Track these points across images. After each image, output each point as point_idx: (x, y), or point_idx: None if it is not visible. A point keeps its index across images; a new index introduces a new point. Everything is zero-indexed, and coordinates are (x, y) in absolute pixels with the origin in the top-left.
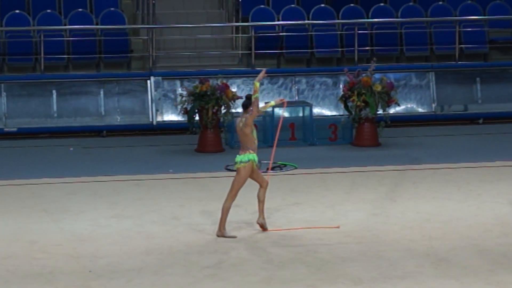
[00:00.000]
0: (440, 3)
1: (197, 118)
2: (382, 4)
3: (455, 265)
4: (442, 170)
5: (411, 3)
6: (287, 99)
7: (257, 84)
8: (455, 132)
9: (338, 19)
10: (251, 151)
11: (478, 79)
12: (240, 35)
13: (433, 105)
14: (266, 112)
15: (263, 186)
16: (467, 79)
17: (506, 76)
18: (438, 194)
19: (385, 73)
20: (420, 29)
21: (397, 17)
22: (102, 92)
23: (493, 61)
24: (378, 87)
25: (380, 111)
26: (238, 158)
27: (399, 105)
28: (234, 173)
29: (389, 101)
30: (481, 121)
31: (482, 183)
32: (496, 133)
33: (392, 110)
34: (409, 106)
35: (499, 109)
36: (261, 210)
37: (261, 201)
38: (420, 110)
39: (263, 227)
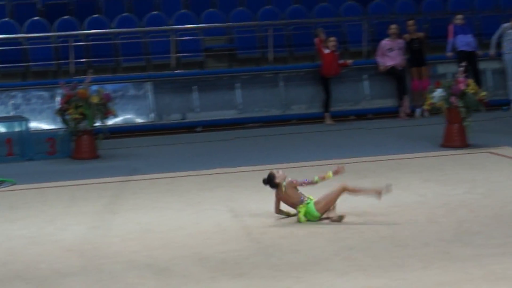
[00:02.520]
0: (155, 12)
1: None
2: (96, 15)
3: (176, 274)
4: (162, 179)
5: (125, 14)
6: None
7: (330, 175)
8: (174, 141)
9: (53, 31)
10: (305, 199)
11: (195, 87)
12: None
13: (152, 115)
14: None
15: (349, 189)
16: (184, 87)
17: (222, 84)
18: (158, 203)
19: (102, 85)
20: (135, 39)
21: (112, 28)
22: None
23: (209, 69)
24: (95, 99)
25: (98, 123)
26: (303, 212)
27: (117, 117)
28: None
29: (106, 113)
30: (199, 129)
31: (202, 191)
32: (215, 140)
33: (110, 122)
34: (127, 116)
35: (217, 117)
36: (368, 191)
37: (361, 191)
38: (139, 120)
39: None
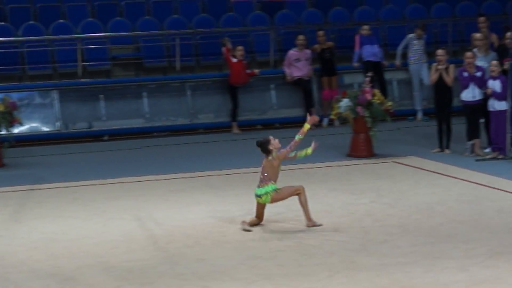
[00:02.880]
0: (61, 21)
1: None
2: (2, 23)
3: (81, 283)
4: (68, 188)
5: (31, 22)
6: None
7: (308, 126)
8: (80, 149)
9: None
10: (273, 182)
11: (102, 96)
12: None
13: (58, 124)
14: None
15: (301, 197)
16: (91, 96)
17: (129, 92)
18: (64, 213)
19: (7, 93)
20: (42, 47)
21: (18, 36)
22: None
23: (116, 78)
24: (0, 107)
25: (3, 132)
26: (262, 190)
27: (23, 125)
28: None
29: (12, 121)
30: (106, 137)
31: (108, 200)
32: (122, 149)
33: (16, 130)
34: (33, 125)
35: (124, 125)
36: (307, 214)
37: (304, 208)
38: (45, 129)
39: (315, 225)
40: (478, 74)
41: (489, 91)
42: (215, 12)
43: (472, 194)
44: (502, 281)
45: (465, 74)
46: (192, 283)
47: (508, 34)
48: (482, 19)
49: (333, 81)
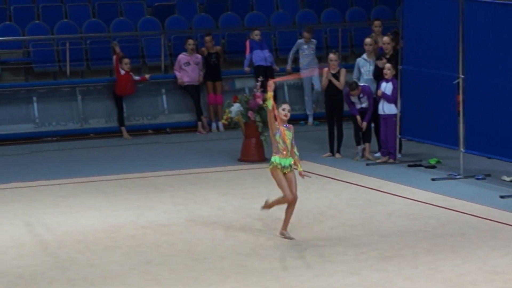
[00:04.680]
0: None
1: None
2: None
3: None
4: None
5: None
6: None
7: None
8: None
9: None
10: (274, 154)
11: None
12: None
13: None
14: None
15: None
16: None
17: (18, 97)
18: None
19: None
20: None
21: None
22: None
23: (5, 83)
24: None
25: None
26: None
27: None
28: None
29: None
30: None
31: None
32: (11, 155)
33: None
34: None
35: (13, 131)
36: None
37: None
38: None
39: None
40: None
41: (379, 92)
42: (105, 17)
43: (363, 198)
44: (392, 284)
45: None
46: None
47: (385, 38)
48: (377, 23)
49: (217, 87)
